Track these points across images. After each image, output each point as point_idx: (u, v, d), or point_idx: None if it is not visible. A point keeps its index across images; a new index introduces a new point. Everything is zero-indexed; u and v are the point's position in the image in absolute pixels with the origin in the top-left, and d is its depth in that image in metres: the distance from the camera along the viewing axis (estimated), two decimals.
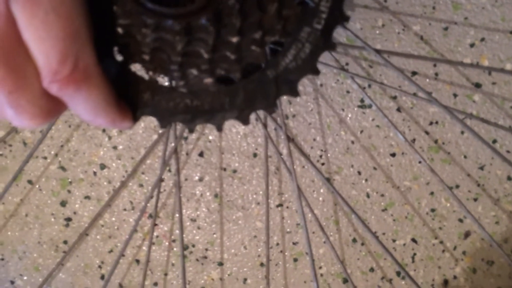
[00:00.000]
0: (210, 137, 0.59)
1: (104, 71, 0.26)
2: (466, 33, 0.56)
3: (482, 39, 0.56)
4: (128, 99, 0.29)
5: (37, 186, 0.59)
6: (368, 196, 0.61)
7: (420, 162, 0.59)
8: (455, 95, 0.57)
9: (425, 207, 0.61)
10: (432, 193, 0.60)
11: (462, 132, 0.58)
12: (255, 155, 0.60)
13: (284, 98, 0.58)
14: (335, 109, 0.58)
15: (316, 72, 0.31)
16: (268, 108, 0.31)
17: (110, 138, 0.59)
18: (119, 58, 0.29)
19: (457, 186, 0.60)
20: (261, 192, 0.60)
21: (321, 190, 0.60)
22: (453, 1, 0.55)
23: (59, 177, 0.59)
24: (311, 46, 0.30)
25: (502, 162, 0.59)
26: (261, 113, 0.54)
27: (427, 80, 0.57)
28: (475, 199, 0.61)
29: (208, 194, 0.60)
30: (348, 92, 0.58)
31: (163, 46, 0.27)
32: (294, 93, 0.31)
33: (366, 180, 0.60)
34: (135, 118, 0.30)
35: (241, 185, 0.60)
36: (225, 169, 0.60)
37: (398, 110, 0.58)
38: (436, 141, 0.59)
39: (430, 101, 0.45)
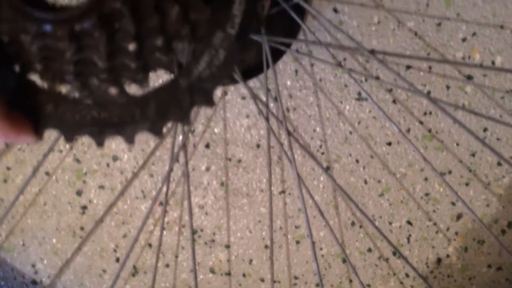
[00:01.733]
0: (216, 130, 0.63)
1: None
2: (459, 28, 0.58)
3: (474, 34, 0.58)
4: (29, 111, 0.27)
5: (54, 177, 0.63)
6: (365, 182, 0.64)
7: (414, 150, 0.62)
8: (448, 87, 0.60)
9: (420, 191, 0.64)
10: (426, 179, 0.64)
11: (454, 122, 0.61)
12: (258, 146, 0.63)
13: (285, 92, 0.61)
14: (334, 102, 0.61)
15: (233, 80, 0.30)
16: (183, 120, 0.29)
17: None
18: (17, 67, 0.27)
19: (450, 172, 0.64)
20: (264, 180, 0.64)
21: (321, 178, 0.64)
22: None
23: (74, 168, 0.63)
24: (226, 52, 0.28)
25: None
26: (262, 106, 0.57)
27: (421, 73, 0.60)
28: (467, 184, 0.64)
29: (214, 182, 0.64)
30: (346, 85, 0.61)
31: (51, 54, 0.25)
32: (210, 102, 0.29)
33: (363, 167, 0.64)
34: (38, 132, 0.28)
35: (246, 174, 0.64)
36: (230, 159, 0.63)
37: (394, 102, 0.61)
38: (429, 130, 0.62)
39: (422, 95, 0.48)
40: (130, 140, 0.29)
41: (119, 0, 0.24)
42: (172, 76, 0.29)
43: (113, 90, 0.27)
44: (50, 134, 0.29)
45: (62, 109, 0.28)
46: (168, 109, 0.28)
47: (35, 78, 0.27)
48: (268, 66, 0.52)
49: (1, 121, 0.26)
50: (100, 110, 0.28)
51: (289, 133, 0.51)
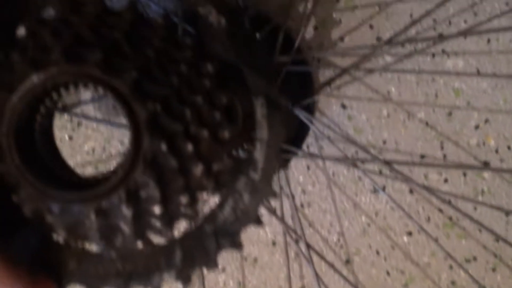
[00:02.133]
0: None
1: (20, 244, 0.25)
2: (470, 116, 0.58)
3: (486, 121, 0.58)
4: (52, 269, 0.27)
5: None
6: (388, 274, 0.62)
7: (437, 239, 0.61)
8: (464, 174, 0.59)
9: (445, 280, 0.62)
10: (451, 267, 0.62)
11: (475, 208, 0.60)
12: (273, 243, 0.62)
13: (298, 188, 0.60)
14: (349, 195, 0.60)
15: (259, 222, 0.29)
16: (210, 264, 0.29)
17: None
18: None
19: (475, 259, 0.61)
20: (282, 277, 0.62)
21: (341, 271, 0.62)
22: (454, 88, 0.57)
23: None
24: (250, 196, 0.29)
25: None
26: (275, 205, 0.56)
27: (436, 162, 0.59)
28: (493, 269, 0.62)
29: (231, 283, 0.62)
30: (360, 178, 0.60)
31: (77, 226, 0.26)
32: (237, 245, 0.29)
33: (385, 259, 0.62)
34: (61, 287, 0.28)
35: (263, 272, 0.62)
36: (246, 259, 0.62)
37: (411, 192, 0.60)
38: (450, 218, 0.60)
39: (435, 195, 0.47)
40: None
41: (146, 174, 0.24)
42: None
43: (139, 244, 0.27)
44: None
45: (85, 264, 0.28)
46: (194, 256, 0.28)
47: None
48: (280, 169, 0.52)
49: (20, 285, 0.25)
50: (124, 262, 0.28)
51: (308, 247, 0.49)
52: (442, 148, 0.58)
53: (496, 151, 0.58)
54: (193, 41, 0.27)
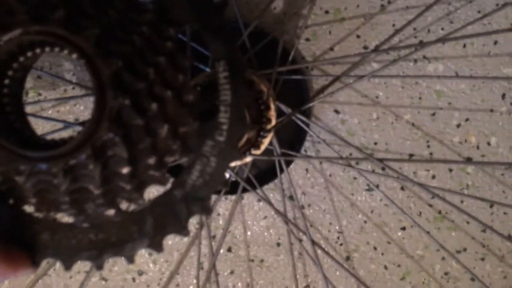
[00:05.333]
0: (236, 233, 0.65)
1: None
2: (452, 116, 0.63)
3: (467, 119, 0.63)
4: (25, 242, 0.27)
5: None
6: (386, 268, 0.66)
7: (428, 232, 0.65)
8: (450, 170, 0.64)
9: (439, 271, 0.66)
10: (443, 258, 0.66)
11: (462, 201, 0.65)
12: (278, 244, 0.65)
13: (298, 191, 0.64)
14: (345, 195, 0.64)
15: (226, 185, 0.30)
16: (181, 231, 0.29)
17: None
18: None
19: (465, 249, 0.66)
20: (288, 276, 0.66)
21: (343, 269, 0.65)
22: (435, 90, 0.62)
23: (101, 286, 0.65)
24: (217, 159, 0.29)
25: (501, 223, 0.65)
26: (279, 206, 0.60)
27: (423, 159, 0.64)
28: (482, 259, 0.66)
29: (240, 284, 0.66)
30: (355, 178, 0.64)
31: (46, 188, 0.26)
32: (207, 210, 0.29)
33: (382, 254, 0.66)
34: (36, 262, 0.28)
35: (270, 273, 0.66)
36: (253, 260, 0.65)
37: (402, 188, 0.64)
38: (439, 212, 0.65)
39: (426, 189, 0.51)
40: (130, 260, 0.28)
41: (112, 131, 0.24)
42: (165, 188, 0.29)
43: (110, 211, 0.27)
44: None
45: (58, 236, 0.28)
46: (166, 222, 0.28)
47: (29, 208, 0.27)
48: (282, 172, 0.56)
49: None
50: (97, 232, 0.28)
51: (313, 243, 0.53)
52: (428, 146, 0.63)
53: (477, 147, 0.64)
54: (154, 6, 0.28)
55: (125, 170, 0.25)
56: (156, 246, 0.29)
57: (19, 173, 0.25)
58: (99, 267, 0.28)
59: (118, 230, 0.28)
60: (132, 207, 0.28)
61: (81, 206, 0.26)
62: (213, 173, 0.29)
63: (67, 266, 0.28)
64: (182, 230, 0.29)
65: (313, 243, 0.50)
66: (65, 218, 0.27)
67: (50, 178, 0.25)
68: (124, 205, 0.27)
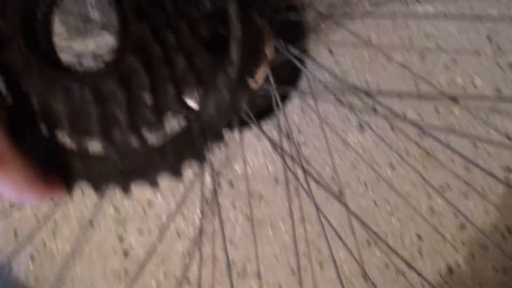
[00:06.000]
0: (237, 169, 0.70)
1: (30, 147, 0.27)
2: (440, 57, 0.67)
3: (454, 61, 0.67)
4: (59, 169, 0.29)
5: (96, 227, 0.70)
6: (375, 203, 0.71)
7: (415, 168, 0.70)
8: (437, 111, 0.68)
9: (425, 207, 0.71)
10: (429, 195, 0.71)
11: (448, 141, 0.69)
12: (276, 179, 0.70)
13: (294, 128, 0.69)
14: (338, 133, 0.69)
15: (238, 116, 0.32)
16: (198, 158, 0.31)
17: None
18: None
19: (449, 187, 0.71)
20: (285, 210, 0.71)
21: (335, 203, 0.70)
22: (425, 32, 0.66)
23: (114, 216, 0.70)
24: (229, 93, 0.31)
25: (484, 161, 0.70)
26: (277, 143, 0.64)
27: (413, 99, 0.68)
28: (466, 196, 0.71)
29: (240, 217, 0.71)
30: (347, 117, 0.68)
31: (79, 112, 0.28)
32: (220, 137, 0.31)
33: (372, 190, 0.71)
34: (69, 187, 0.30)
35: (268, 207, 0.71)
36: (253, 195, 0.70)
37: (392, 129, 0.69)
38: (426, 151, 0.69)
39: (414, 125, 0.55)
40: (154, 184, 0.31)
41: (134, 56, 0.28)
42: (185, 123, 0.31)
43: (134, 141, 0.29)
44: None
45: (89, 165, 0.30)
46: (185, 153, 0.31)
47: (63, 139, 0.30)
48: (278, 108, 0.60)
49: (36, 184, 0.27)
50: (124, 161, 0.30)
51: (304, 171, 0.57)
52: (417, 87, 0.68)
53: (464, 88, 0.68)
54: None
55: (147, 97, 0.29)
56: (176, 172, 0.31)
57: (54, 95, 0.28)
58: (126, 190, 0.30)
59: (143, 160, 0.30)
60: (155, 140, 0.31)
61: (109, 133, 0.29)
62: (226, 105, 0.31)
63: (97, 190, 0.30)
64: (199, 157, 0.31)
65: (305, 171, 0.55)
66: (95, 147, 0.30)
67: (83, 104, 0.28)
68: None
